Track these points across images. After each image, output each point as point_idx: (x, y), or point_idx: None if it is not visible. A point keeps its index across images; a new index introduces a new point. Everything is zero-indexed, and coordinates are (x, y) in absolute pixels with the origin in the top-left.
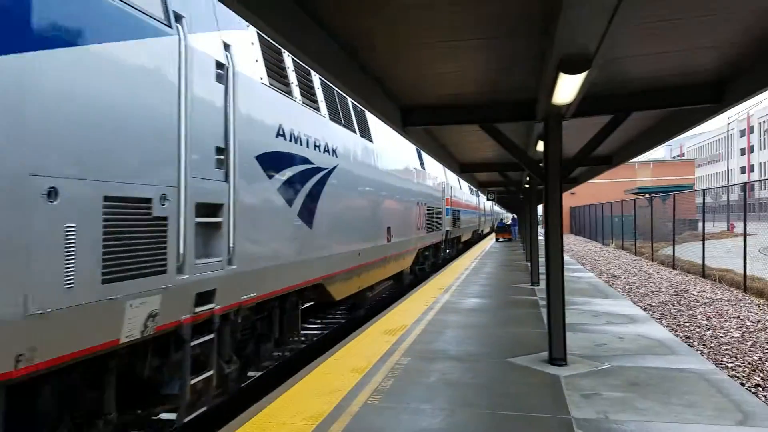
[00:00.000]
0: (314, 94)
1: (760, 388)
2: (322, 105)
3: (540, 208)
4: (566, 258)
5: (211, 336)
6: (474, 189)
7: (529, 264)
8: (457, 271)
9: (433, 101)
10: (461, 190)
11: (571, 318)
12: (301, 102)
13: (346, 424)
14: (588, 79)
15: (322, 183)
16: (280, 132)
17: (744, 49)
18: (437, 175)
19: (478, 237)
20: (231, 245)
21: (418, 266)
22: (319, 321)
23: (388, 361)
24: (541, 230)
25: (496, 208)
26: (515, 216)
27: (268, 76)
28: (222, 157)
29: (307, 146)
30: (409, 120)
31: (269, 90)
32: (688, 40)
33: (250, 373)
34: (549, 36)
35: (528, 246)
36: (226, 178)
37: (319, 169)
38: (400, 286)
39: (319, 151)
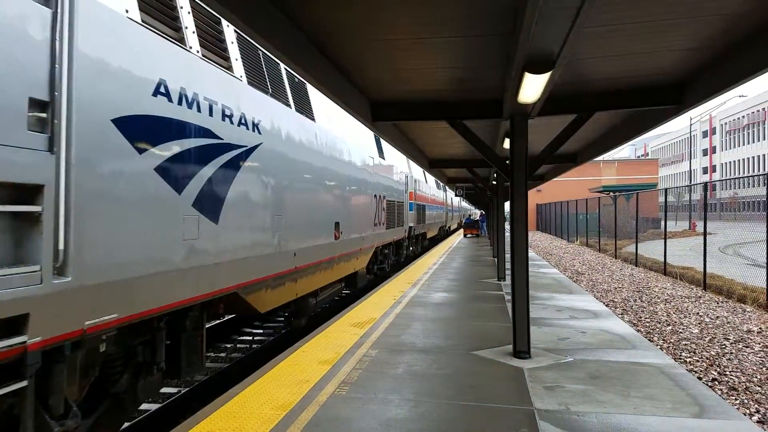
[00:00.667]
0: (225, 49)
1: (716, 382)
2: (238, 65)
3: (507, 205)
4: (532, 254)
5: (23, 384)
6: (441, 184)
7: (496, 259)
8: (424, 267)
9: (403, 97)
10: (427, 185)
11: (536, 312)
12: (200, 55)
13: (314, 414)
14: (552, 78)
15: (235, 165)
16: (162, 90)
17: (704, 51)
18: (400, 166)
19: (444, 233)
20: (61, 247)
21: (377, 266)
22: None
23: (356, 353)
24: (508, 226)
25: (464, 204)
26: (482, 212)
27: (142, 11)
28: (44, 114)
29: (210, 114)
30: (379, 114)
31: (142, 30)
32: (650, 43)
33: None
34: (515, 37)
35: (495, 242)
36: (51, 147)
37: (230, 147)
38: (354, 290)
39: (231, 122)
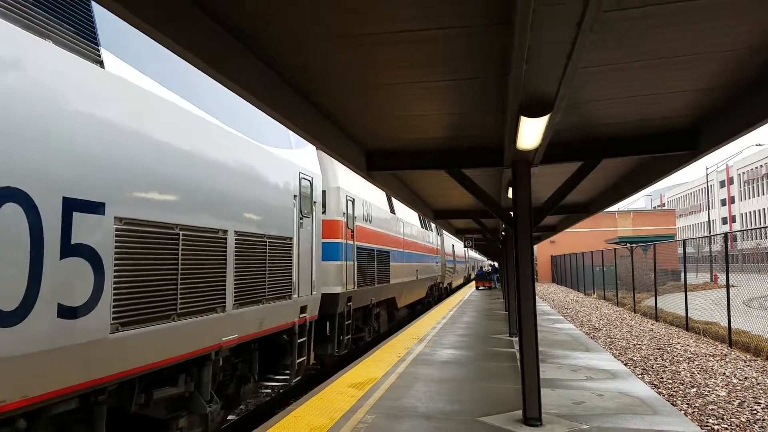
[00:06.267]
0: None
1: None
2: None
3: None
4: (546, 308)
5: None
6: (431, 224)
7: (508, 313)
8: (432, 321)
9: (399, 145)
10: (395, 217)
11: (550, 372)
12: None
13: None
14: (552, 122)
15: None
16: None
17: (718, 92)
18: (274, 136)
19: (440, 294)
20: None
21: None
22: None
23: (352, 418)
24: None
25: (472, 253)
26: (492, 264)
27: None
28: None
29: None
30: (374, 164)
31: None
32: (656, 84)
33: None
34: (508, 78)
35: (506, 295)
36: None
37: None
38: None
39: None
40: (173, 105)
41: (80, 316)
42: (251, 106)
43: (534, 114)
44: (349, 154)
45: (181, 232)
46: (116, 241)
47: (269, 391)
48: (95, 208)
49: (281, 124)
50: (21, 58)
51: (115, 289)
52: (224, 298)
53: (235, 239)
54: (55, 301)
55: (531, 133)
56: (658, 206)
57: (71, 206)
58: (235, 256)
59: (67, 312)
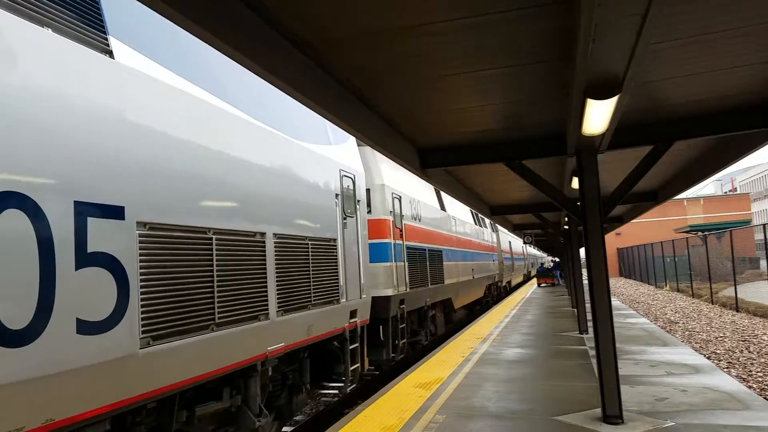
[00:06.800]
0: None
1: None
2: None
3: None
4: (617, 303)
5: None
6: (485, 219)
7: (575, 310)
8: (495, 319)
9: (454, 140)
10: (446, 215)
11: (627, 369)
12: None
13: None
14: (620, 104)
15: None
16: None
17: None
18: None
19: (499, 293)
20: None
21: None
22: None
23: (422, 418)
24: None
25: (531, 249)
26: (553, 259)
27: None
28: None
29: None
30: (428, 161)
31: None
32: (732, 58)
33: None
34: (572, 58)
35: (572, 291)
36: None
37: None
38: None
39: None
40: (195, 98)
41: (104, 331)
42: (281, 101)
43: (601, 96)
44: (402, 152)
45: (214, 237)
46: (140, 248)
47: (336, 391)
48: (113, 212)
49: (334, 123)
50: (16, 49)
51: (142, 300)
52: (267, 305)
53: (275, 242)
54: (74, 316)
55: (598, 116)
56: (730, 191)
57: (84, 211)
58: (276, 259)
59: (87, 327)
